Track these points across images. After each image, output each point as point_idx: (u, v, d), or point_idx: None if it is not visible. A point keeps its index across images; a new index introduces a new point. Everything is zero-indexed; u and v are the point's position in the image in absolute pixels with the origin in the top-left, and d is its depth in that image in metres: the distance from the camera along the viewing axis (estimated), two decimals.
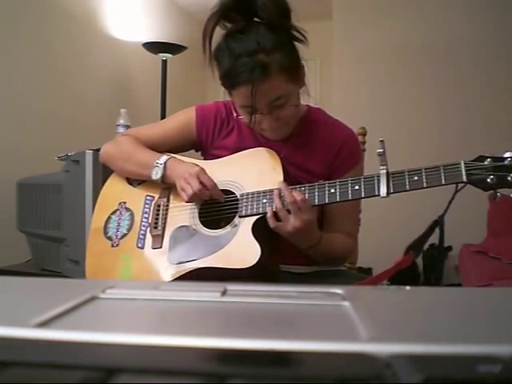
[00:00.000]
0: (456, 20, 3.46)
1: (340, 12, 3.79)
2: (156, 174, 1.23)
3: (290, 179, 1.18)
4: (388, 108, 3.59)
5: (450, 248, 3.28)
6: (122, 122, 2.21)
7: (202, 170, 1.19)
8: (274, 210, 1.10)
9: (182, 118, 1.33)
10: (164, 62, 3.32)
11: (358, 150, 1.31)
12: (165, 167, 1.23)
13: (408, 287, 0.50)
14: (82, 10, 3.14)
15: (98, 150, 1.45)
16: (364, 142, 1.65)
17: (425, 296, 0.50)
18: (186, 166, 1.21)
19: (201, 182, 1.16)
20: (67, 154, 2.01)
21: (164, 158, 1.24)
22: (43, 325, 0.34)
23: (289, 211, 1.08)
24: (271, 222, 1.10)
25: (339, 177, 1.22)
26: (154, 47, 3.25)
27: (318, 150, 1.25)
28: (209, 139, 1.30)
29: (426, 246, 3.25)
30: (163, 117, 3.14)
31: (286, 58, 1.09)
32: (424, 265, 3.34)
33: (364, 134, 1.66)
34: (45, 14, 2.86)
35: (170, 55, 3.30)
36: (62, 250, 1.98)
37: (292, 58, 1.11)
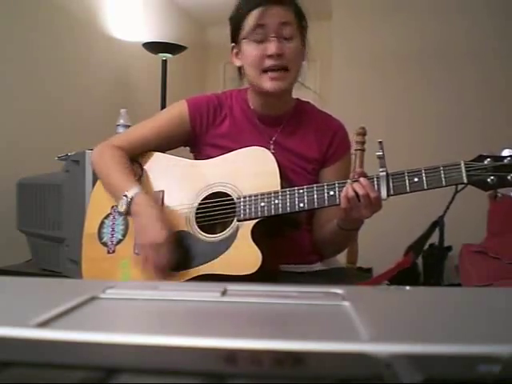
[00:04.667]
0: (454, 21, 3.46)
1: (339, 12, 3.79)
2: (121, 207, 1.17)
3: (283, 167, 1.16)
4: (387, 108, 3.59)
5: (450, 248, 3.28)
6: (121, 121, 2.21)
7: (162, 239, 1.12)
8: (347, 196, 1.06)
9: (174, 112, 1.30)
10: (164, 62, 3.32)
11: (348, 138, 1.34)
12: (130, 202, 1.16)
13: (408, 287, 0.50)
14: (82, 10, 3.14)
15: None
16: (364, 142, 1.65)
17: (425, 296, 0.50)
18: (148, 223, 1.14)
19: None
20: (67, 154, 2.01)
21: (132, 192, 1.17)
22: (43, 325, 0.34)
23: (359, 200, 1.05)
24: (343, 202, 1.06)
25: (333, 163, 1.27)
26: (154, 47, 3.25)
27: (311, 136, 1.27)
28: (203, 128, 1.27)
29: (425, 246, 3.25)
30: None
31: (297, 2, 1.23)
32: (424, 265, 3.34)
33: (364, 134, 1.66)
34: (45, 14, 2.86)
35: (169, 55, 3.30)
36: (62, 250, 1.98)
37: (301, 8, 1.24)
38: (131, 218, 1.20)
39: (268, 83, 1.19)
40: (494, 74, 3.40)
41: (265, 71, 1.18)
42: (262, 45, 1.18)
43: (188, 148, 1.36)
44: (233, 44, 1.26)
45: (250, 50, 1.20)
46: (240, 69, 1.27)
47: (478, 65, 3.41)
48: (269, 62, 1.17)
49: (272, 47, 1.16)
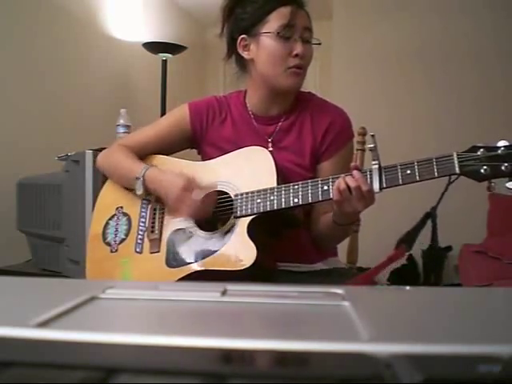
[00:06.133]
0: (454, 20, 3.47)
1: (340, 12, 3.79)
2: (139, 190, 1.22)
3: (280, 165, 1.18)
4: (388, 108, 3.59)
5: (450, 248, 3.27)
6: (121, 122, 2.20)
7: (188, 181, 1.16)
8: (339, 188, 1.06)
9: (176, 115, 1.33)
10: (164, 62, 3.32)
11: (349, 127, 1.30)
12: (144, 181, 1.21)
13: (408, 287, 0.50)
14: (82, 10, 3.14)
15: (98, 149, 1.46)
16: (364, 142, 1.65)
17: (425, 296, 0.50)
18: (169, 182, 1.18)
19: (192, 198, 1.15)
20: (67, 154, 2.01)
21: (142, 170, 1.22)
22: (43, 325, 0.34)
23: (351, 192, 1.05)
24: (335, 194, 1.06)
25: (331, 156, 1.25)
26: (154, 47, 3.24)
27: (307, 128, 1.27)
28: (203, 130, 1.29)
29: (425, 246, 3.25)
30: None
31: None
32: (424, 265, 3.33)
33: (364, 134, 1.66)
34: (45, 14, 2.86)
35: (169, 55, 3.29)
36: (62, 250, 1.98)
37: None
38: (152, 195, 1.24)
39: (290, 79, 1.21)
40: (494, 73, 3.40)
41: (288, 68, 1.20)
42: (287, 43, 1.19)
43: (195, 150, 1.38)
44: (243, 36, 1.23)
45: (275, 45, 1.20)
46: (244, 61, 1.27)
47: (478, 64, 3.41)
48: (293, 61, 1.20)
49: (299, 48, 1.19)
